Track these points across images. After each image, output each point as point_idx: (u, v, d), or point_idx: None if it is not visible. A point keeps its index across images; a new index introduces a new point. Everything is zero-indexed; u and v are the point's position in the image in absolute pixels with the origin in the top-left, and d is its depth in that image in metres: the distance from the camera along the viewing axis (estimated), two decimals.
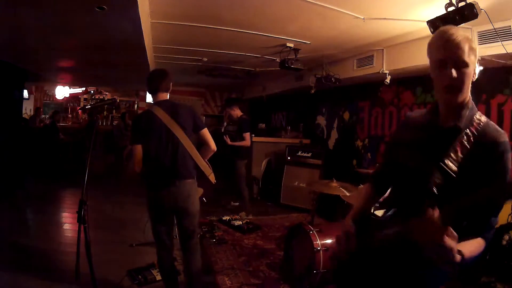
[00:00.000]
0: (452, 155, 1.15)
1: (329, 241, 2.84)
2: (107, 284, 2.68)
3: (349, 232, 1.36)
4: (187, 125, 2.36)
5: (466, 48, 1.14)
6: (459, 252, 0.97)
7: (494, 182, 1.05)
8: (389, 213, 1.34)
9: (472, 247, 1.06)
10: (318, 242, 2.77)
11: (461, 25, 2.36)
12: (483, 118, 1.20)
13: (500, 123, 3.17)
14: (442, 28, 1.23)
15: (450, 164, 1.14)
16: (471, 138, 1.15)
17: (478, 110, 1.24)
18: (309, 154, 5.62)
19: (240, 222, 4.47)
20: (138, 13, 2.64)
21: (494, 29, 2.74)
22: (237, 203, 5.42)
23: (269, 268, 3.27)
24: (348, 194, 3.13)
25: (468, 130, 1.16)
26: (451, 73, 1.14)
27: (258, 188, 6.07)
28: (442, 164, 1.14)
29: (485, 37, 2.92)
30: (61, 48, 4.32)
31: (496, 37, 2.79)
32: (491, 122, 1.20)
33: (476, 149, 1.13)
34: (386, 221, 1.30)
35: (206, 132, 2.46)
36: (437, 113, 1.26)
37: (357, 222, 1.39)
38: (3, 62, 4.94)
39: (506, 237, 3.01)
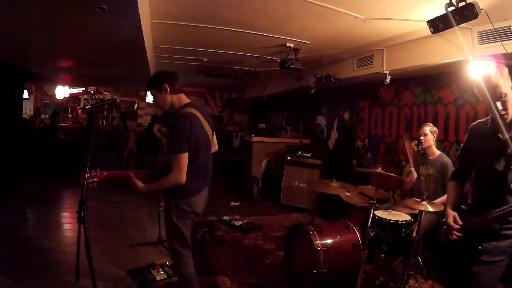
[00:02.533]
0: None
1: (329, 241, 2.84)
2: (107, 284, 2.68)
3: (455, 216, 1.82)
4: (213, 129, 2.33)
5: (501, 82, 1.62)
6: None
7: None
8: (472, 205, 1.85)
9: None
10: (318, 242, 2.77)
11: (461, 25, 2.36)
12: None
13: None
14: (480, 75, 1.71)
15: None
16: None
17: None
18: (309, 154, 5.62)
19: (240, 222, 4.47)
20: (138, 13, 2.63)
21: (494, 29, 2.74)
22: (237, 203, 5.43)
23: (269, 268, 3.27)
24: (348, 194, 3.13)
25: None
26: (498, 106, 1.64)
27: (258, 188, 6.07)
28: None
29: (485, 37, 2.92)
30: (61, 48, 4.32)
31: (496, 37, 2.79)
32: None
33: None
34: (474, 210, 1.79)
35: (214, 133, 2.42)
36: (498, 126, 1.69)
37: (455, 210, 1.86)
38: (3, 62, 4.94)
39: None
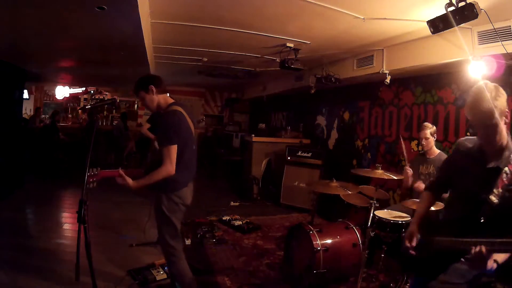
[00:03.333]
0: (495, 191, 1.49)
1: (329, 241, 2.84)
2: (107, 284, 2.68)
3: (412, 233, 1.74)
4: (194, 124, 2.47)
5: (494, 110, 1.46)
6: (495, 261, 1.39)
7: None
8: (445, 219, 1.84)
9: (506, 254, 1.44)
10: (318, 242, 2.77)
11: (461, 25, 2.36)
12: None
13: None
14: (475, 92, 1.59)
15: (493, 198, 1.49)
16: (509, 175, 1.49)
17: None
18: (309, 154, 5.62)
19: (240, 222, 4.47)
20: (138, 13, 2.63)
21: (494, 29, 2.74)
22: (237, 203, 5.43)
23: (269, 268, 3.27)
24: (349, 193, 3.13)
25: (506, 168, 1.50)
26: (480, 133, 1.57)
27: (258, 188, 6.07)
28: (489, 199, 1.49)
29: (485, 37, 2.92)
30: (61, 48, 4.32)
31: (496, 37, 2.79)
32: None
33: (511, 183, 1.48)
34: (443, 228, 1.71)
35: None
36: (484, 152, 1.60)
37: (421, 225, 1.76)
38: (3, 62, 4.94)
39: None
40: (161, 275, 2.90)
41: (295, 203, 5.52)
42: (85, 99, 10.37)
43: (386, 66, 4.09)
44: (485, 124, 1.49)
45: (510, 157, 1.51)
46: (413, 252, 1.72)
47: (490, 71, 2.97)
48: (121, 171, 2.14)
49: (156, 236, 3.62)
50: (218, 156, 8.31)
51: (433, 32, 2.57)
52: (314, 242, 2.75)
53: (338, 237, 2.92)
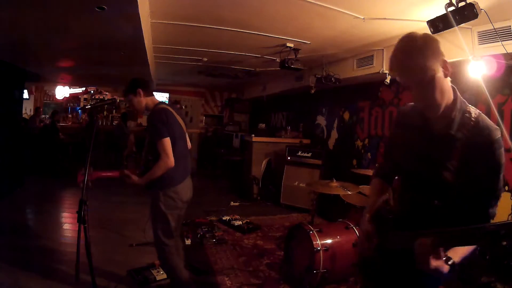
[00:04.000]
0: (449, 166, 1.18)
1: (329, 241, 2.84)
2: (107, 284, 2.68)
3: (369, 232, 1.39)
4: (186, 124, 2.57)
5: (422, 62, 1.12)
6: (448, 259, 1.06)
7: (488, 177, 1.14)
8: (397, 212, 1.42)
9: (464, 248, 1.11)
10: (318, 242, 2.77)
11: (461, 25, 2.36)
12: (473, 114, 1.19)
13: (500, 123, 3.17)
14: (394, 50, 1.23)
15: (448, 175, 1.18)
16: (465, 141, 1.17)
17: (477, 108, 1.26)
18: (309, 154, 5.62)
19: (240, 222, 4.47)
20: (138, 13, 2.64)
21: (494, 29, 2.74)
22: (237, 203, 5.43)
23: (269, 268, 3.27)
24: (349, 193, 3.13)
25: (460, 133, 1.18)
26: (416, 96, 1.18)
27: (258, 188, 6.07)
28: (443, 178, 1.19)
29: (485, 37, 2.92)
30: (61, 48, 4.32)
31: (496, 37, 2.79)
32: (482, 116, 1.20)
33: (470, 152, 1.16)
34: (395, 223, 1.36)
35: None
36: (427, 120, 1.26)
37: (374, 219, 1.42)
38: (3, 62, 4.94)
39: None
40: (161, 275, 2.89)
41: (295, 203, 5.52)
42: (85, 99, 10.37)
43: (386, 66, 4.09)
44: (417, 81, 1.14)
45: (464, 117, 1.18)
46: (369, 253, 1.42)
47: (490, 71, 2.97)
48: (127, 171, 2.24)
49: None
50: (218, 156, 8.31)
51: (433, 32, 2.57)
52: (314, 242, 2.75)
53: (338, 237, 2.92)
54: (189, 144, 2.64)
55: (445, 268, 1.05)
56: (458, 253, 1.09)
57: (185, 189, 2.40)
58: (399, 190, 1.44)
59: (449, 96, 1.19)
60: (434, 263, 1.04)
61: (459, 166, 1.17)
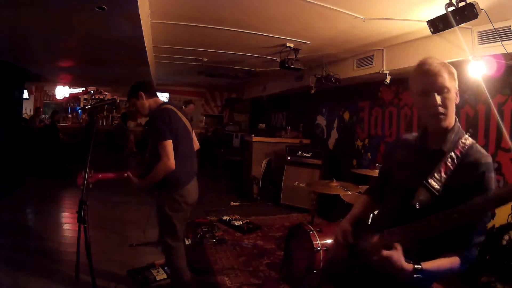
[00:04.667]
0: (436, 175, 1.22)
1: (329, 241, 2.84)
2: (107, 284, 2.68)
3: (346, 231, 1.43)
4: (191, 124, 2.54)
5: (445, 74, 1.22)
6: (416, 266, 1.07)
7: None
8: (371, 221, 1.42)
9: (439, 262, 1.12)
10: (318, 242, 2.77)
11: (461, 25, 2.36)
12: (468, 141, 1.26)
13: (500, 123, 3.17)
14: (421, 60, 1.29)
15: (434, 183, 1.21)
16: (455, 160, 1.23)
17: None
18: (309, 154, 5.62)
19: (240, 222, 4.47)
20: (138, 13, 2.64)
21: (494, 29, 2.74)
22: (237, 203, 5.42)
23: (269, 268, 3.27)
24: (349, 193, 3.13)
25: (452, 153, 1.24)
26: (435, 99, 1.22)
27: (258, 188, 6.07)
28: (426, 183, 1.21)
29: (485, 37, 2.92)
30: (61, 48, 4.32)
31: (496, 37, 2.79)
32: (476, 145, 1.26)
33: (459, 170, 1.21)
34: (370, 230, 1.34)
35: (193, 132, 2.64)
36: (426, 137, 1.34)
37: (353, 227, 1.46)
38: (3, 62, 4.94)
39: (506, 237, 3.01)
40: (161, 275, 2.90)
41: (295, 203, 5.51)
42: (85, 99, 10.37)
43: (386, 66, 4.09)
44: (438, 85, 1.22)
45: (459, 142, 1.25)
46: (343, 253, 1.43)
47: (490, 71, 2.97)
48: (128, 173, 2.25)
49: (156, 236, 3.63)
50: (218, 156, 8.31)
51: (433, 32, 2.57)
52: (314, 242, 2.75)
53: None
54: (197, 145, 2.62)
55: (408, 267, 1.07)
56: (433, 263, 1.11)
57: (190, 191, 2.36)
58: (384, 202, 1.48)
59: (452, 119, 1.27)
60: (385, 253, 1.08)
61: (447, 179, 1.21)
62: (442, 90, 1.22)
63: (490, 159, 1.21)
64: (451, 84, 1.23)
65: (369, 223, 1.43)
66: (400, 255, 1.08)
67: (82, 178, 1.97)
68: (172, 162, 2.17)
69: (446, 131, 1.26)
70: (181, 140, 2.30)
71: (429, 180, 1.21)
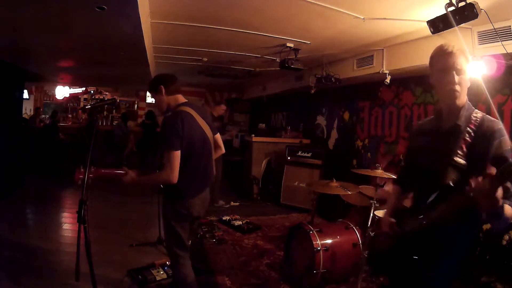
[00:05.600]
0: (459, 152, 1.37)
1: (329, 241, 2.84)
2: (107, 284, 2.68)
3: (391, 224, 1.59)
4: (212, 128, 2.33)
5: (463, 59, 1.41)
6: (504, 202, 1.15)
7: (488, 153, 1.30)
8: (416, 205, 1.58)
9: (509, 210, 1.21)
10: (318, 242, 2.77)
11: (461, 25, 2.36)
12: (479, 114, 1.43)
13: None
14: (444, 43, 1.49)
15: (459, 159, 1.37)
16: (472, 134, 1.39)
17: (478, 110, 1.46)
18: (309, 154, 5.62)
19: (240, 222, 4.47)
20: (138, 13, 2.63)
21: (494, 29, 2.74)
22: (237, 203, 5.42)
23: (269, 268, 3.27)
24: (349, 193, 3.13)
25: (468, 128, 1.40)
26: (453, 77, 1.40)
27: (258, 188, 6.07)
28: (453, 161, 1.37)
29: (485, 37, 2.92)
30: (61, 48, 4.32)
31: (496, 37, 2.79)
32: (486, 116, 1.43)
33: (477, 141, 1.37)
34: (411, 212, 1.54)
35: (219, 135, 2.46)
36: (441, 116, 1.51)
37: (393, 216, 1.62)
38: (3, 62, 4.94)
39: (506, 237, 3.01)
40: (161, 275, 2.90)
41: (295, 203, 5.51)
42: (85, 99, 10.38)
43: (386, 66, 4.09)
44: (453, 66, 1.39)
45: (471, 117, 1.41)
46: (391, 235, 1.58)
47: (490, 71, 2.97)
48: (125, 168, 2.12)
49: (156, 236, 3.64)
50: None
51: (433, 32, 2.57)
52: (314, 242, 2.75)
53: (338, 237, 2.92)
54: (221, 149, 2.48)
55: (501, 202, 1.12)
56: (507, 208, 1.18)
57: (197, 205, 2.18)
58: (414, 197, 1.63)
59: (464, 98, 1.45)
60: (499, 192, 1.10)
61: (469, 152, 1.36)
62: (459, 71, 1.40)
63: (501, 125, 1.37)
64: (465, 67, 1.41)
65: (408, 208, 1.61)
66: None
67: (80, 174, 1.90)
68: (175, 175, 1.99)
69: (459, 108, 1.43)
70: (194, 149, 2.11)
71: (454, 159, 1.36)
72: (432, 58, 1.52)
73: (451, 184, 1.34)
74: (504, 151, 1.30)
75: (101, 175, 2.06)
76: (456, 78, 1.39)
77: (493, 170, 1.09)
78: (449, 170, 1.36)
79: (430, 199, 1.41)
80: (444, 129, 1.48)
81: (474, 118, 1.41)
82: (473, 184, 1.15)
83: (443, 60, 1.44)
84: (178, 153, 2.00)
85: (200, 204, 2.22)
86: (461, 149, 1.37)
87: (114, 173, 2.14)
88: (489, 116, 1.42)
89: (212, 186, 4.85)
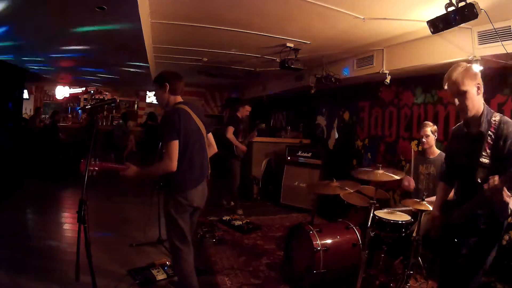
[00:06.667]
0: (483, 153, 1.70)
1: (329, 241, 2.84)
2: (107, 284, 2.68)
3: (437, 216, 2.00)
4: (206, 127, 2.47)
5: (462, 80, 1.72)
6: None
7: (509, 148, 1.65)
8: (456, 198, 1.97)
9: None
10: (318, 242, 2.77)
11: (461, 25, 2.36)
12: (497, 118, 1.74)
13: None
14: (449, 69, 1.80)
15: (484, 160, 1.69)
16: (492, 136, 1.70)
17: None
18: (309, 154, 5.62)
19: (240, 222, 4.47)
20: (138, 13, 2.64)
21: (494, 29, 2.73)
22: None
23: (269, 268, 3.27)
24: (349, 193, 3.12)
25: (489, 132, 1.71)
26: (456, 102, 1.77)
27: (258, 188, 6.06)
28: (480, 162, 1.69)
29: (485, 37, 2.92)
30: (61, 48, 4.33)
31: (496, 37, 2.78)
32: (503, 117, 1.74)
33: (497, 142, 1.68)
34: (455, 205, 1.87)
35: (211, 134, 2.58)
36: (469, 123, 1.84)
37: (441, 209, 2.01)
38: (3, 62, 4.94)
39: (506, 237, 3.01)
40: (161, 275, 2.90)
41: (295, 203, 5.51)
42: (85, 99, 10.37)
43: (386, 66, 4.09)
44: (456, 91, 1.74)
45: (491, 121, 1.72)
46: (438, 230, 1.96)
47: (490, 71, 2.97)
48: (128, 164, 2.20)
49: (156, 236, 3.63)
50: (218, 156, 8.30)
51: (433, 32, 2.57)
52: (314, 242, 2.75)
53: (338, 237, 2.92)
54: (214, 148, 2.59)
55: (509, 201, 1.51)
56: None
57: (196, 196, 2.31)
58: (456, 190, 1.99)
59: (478, 107, 1.77)
60: (506, 194, 1.48)
61: (491, 153, 1.68)
62: (464, 93, 1.72)
63: None
64: (469, 85, 1.72)
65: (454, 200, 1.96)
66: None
67: (85, 165, 1.97)
68: (174, 164, 2.13)
69: (478, 116, 1.76)
70: (191, 143, 2.25)
71: (481, 160, 1.69)
72: (444, 81, 1.83)
73: (479, 181, 1.65)
74: None
75: (104, 168, 2.13)
76: (457, 101, 1.75)
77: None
78: (478, 169, 1.69)
79: (465, 196, 1.77)
80: (471, 135, 1.80)
81: (493, 122, 1.72)
82: (488, 184, 1.51)
83: (449, 88, 1.79)
84: (176, 143, 2.15)
85: (199, 195, 2.35)
86: (485, 150, 1.69)
87: (116, 166, 2.22)
88: (506, 118, 1.73)
89: (229, 190, 4.83)
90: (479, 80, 1.76)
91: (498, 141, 1.67)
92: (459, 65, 1.78)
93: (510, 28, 2.72)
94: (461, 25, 2.35)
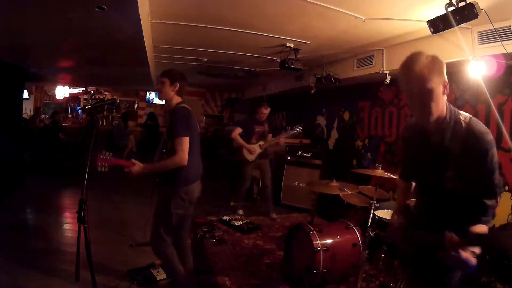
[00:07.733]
0: (447, 176, 1.35)
1: (329, 241, 2.84)
2: (107, 284, 2.68)
3: (396, 226, 1.63)
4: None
5: (426, 74, 1.29)
6: (473, 253, 1.17)
7: (483, 177, 1.31)
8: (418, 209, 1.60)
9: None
10: (318, 242, 2.77)
11: (461, 25, 2.36)
12: (464, 122, 1.35)
13: (500, 123, 3.17)
14: (406, 58, 1.43)
15: (448, 183, 1.36)
16: (458, 150, 1.33)
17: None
18: (309, 154, 5.62)
19: (240, 222, 4.47)
20: (138, 13, 2.63)
21: (494, 29, 2.74)
22: (237, 203, 5.40)
23: (269, 268, 3.27)
24: (349, 193, 3.13)
25: (454, 144, 1.33)
26: (416, 102, 1.35)
27: (258, 188, 6.06)
28: (445, 188, 1.37)
29: (485, 37, 2.92)
30: (61, 48, 4.32)
31: (496, 37, 2.79)
32: (473, 124, 1.34)
33: (464, 158, 1.33)
34: (418, 220, 1.54)
35: None
36: (425, 131, 1.44)
37: (403, 212, 1.66)
38: (3, 62, 4.94)
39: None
40: (161, 275, 2.90)
41: (295, 203, 5.51)
42: (85, 99, 10.37)
43: (386, 66, 4.09)
44: (419, 88, 1.29)
45: (456, 130, 1.33)
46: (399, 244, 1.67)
47: (490, 71, 2.97)
48: (134, 161, 2.29)
49: None
50: (218, 156, 8.31)
51: (433, 32, 2.57)
52: (314, 242, 2.76)
53: (338, 237, 2.92)
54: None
55: (473, 261, 1.16)
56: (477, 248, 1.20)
57: (195, 189, 2.46)
58: (416, 194, 1.63)
59: (442, 109, 1.36)
60: (464, 254, 1.16)
61: (455, 174, 1.33)
62: (424, 93, 1.30)
63: (489, 136, 1.32)
64: (436, 82, 1.30)
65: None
66: (471, 255, 1.18)
67: (101, 160, 2.09)
68: (186, 158, 2.26)
69: (441, 122, 1.36)
70: (195, 141, 2.40)
71: (445, 183, 1.36)
72: (398, 77, 1.42)
73: (449, 213, 1.36)
74: (489, 166, 1.34)
75: (114, 164, 2.24)
76: (425, 101, 1.31)
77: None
78: (443, 194, 1.39)
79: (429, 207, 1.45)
80: (432, 146, 1.41)
81: (459, 128, 1.36)
82: (445, 240, 1.21)
83: (407, 85, 1.35)
84: (188, 139, 2.29)
85: (197, 189, 2.48)
86: (449, 171, 1.36)
87: (124, 162, 2.32)
88: (477, 123, 1.35)
89: (264, 198, 4.79)
90: (445, 76, 1.36)
91: (468, 157, 1.31)
92: (420, 54, 1.35)
93: (510, 28, 2.72)
94: (461, 25, 2.35)
